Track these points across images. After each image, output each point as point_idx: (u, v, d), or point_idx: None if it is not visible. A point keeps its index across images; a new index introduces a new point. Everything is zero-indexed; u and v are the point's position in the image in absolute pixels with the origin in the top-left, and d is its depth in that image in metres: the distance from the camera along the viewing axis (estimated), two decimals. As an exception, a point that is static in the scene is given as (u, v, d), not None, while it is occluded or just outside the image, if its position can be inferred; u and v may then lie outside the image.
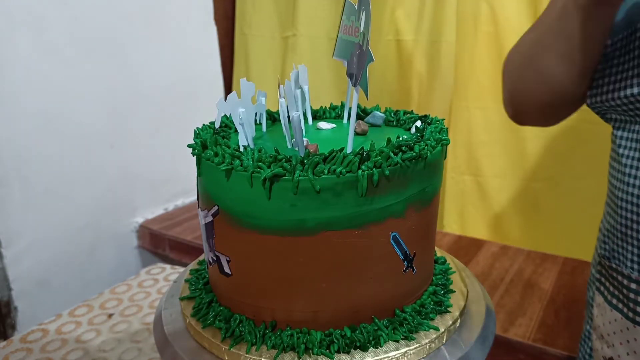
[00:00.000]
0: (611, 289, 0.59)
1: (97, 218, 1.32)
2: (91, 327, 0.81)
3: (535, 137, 1.22)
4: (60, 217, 1.23)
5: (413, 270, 0.43)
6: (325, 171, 0.37)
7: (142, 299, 0.89)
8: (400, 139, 0.42)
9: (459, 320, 0.44)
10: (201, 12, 1.56)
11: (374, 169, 0.37)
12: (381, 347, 0.40)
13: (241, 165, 0.38)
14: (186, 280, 0.51)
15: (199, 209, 0.45)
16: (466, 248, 1.24)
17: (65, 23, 1.19)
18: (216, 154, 0.41)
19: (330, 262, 0.39)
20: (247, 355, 0.39)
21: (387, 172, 0.38)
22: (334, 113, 0.58)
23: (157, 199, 1.50)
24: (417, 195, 0.41)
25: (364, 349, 0.40)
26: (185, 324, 0.45)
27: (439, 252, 0.55)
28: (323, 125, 0.52)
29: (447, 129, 0.47)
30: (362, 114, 0.56)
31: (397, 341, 0.40)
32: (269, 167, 0.37)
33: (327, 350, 0.39)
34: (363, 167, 0.37)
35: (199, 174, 0.44)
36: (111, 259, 1.38)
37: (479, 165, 1.30)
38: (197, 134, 0.46)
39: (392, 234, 0.40)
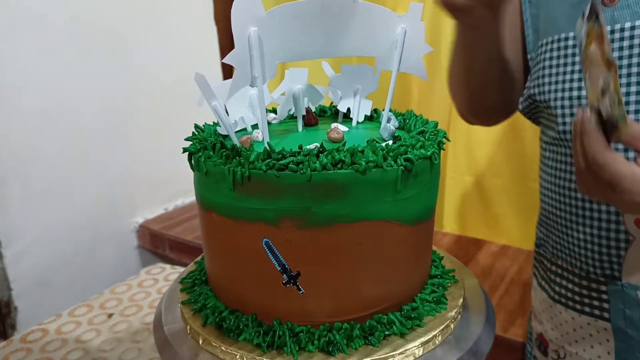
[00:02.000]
0: (541, 272, 0.68)
1: (97, 218, 1.32)
2: (91, 327, 0.81)
3: (535, 137, 1.22)
4: (60, 217, 1.23)
5: (299, 289, 0.40)
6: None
7: (142, 299, 0.89)
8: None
9: (462, 316, 0.44)
10: (201, 12, 1.56)
11: (238, 168, 0.38)
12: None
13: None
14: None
15: None
16: (466, 248, 1.24)
17: (65, 23, 1.19)
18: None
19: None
20: (248, 355, 0.39)
21: (247, 174, 0.38)
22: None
23: (157, 199, 1.50)
24: (293, 211, 0.38)
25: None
26: (184, 324, 0.45)
27: (449, 265, 0.53)
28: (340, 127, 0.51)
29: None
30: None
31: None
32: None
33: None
34: (234, 162, 0.39)
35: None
36: (111, 259, 1.38)
37: (479, 165, 1.30)
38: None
39: (264, 239, 0.39)
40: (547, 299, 0.66)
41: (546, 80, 0.59)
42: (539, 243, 0.69)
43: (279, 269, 0.40)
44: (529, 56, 0.66)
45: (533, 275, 0.72)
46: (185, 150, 0.44)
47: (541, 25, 0.62)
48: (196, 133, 0.48)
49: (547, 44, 0.59)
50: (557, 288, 0.64)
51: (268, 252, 0.40)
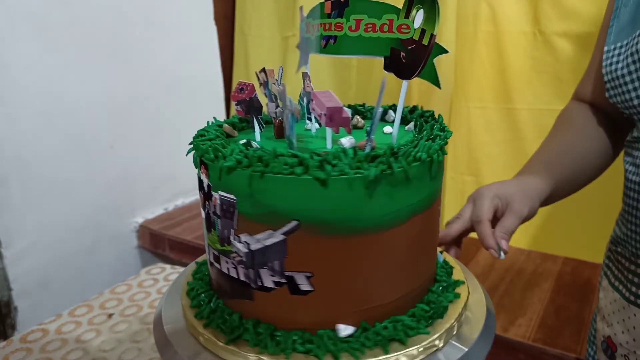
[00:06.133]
0: (615, 271, 0.64)
1: (97, 218, 1.32)
2: (91, 327, 0.81)
3: (535, 137, 1.22)
4: (60, 217, 1.23)
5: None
6: (411, 159, 0.39)
7: (142, 299, 0.89)
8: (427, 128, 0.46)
9: (463, 316, 0.44)
10: (201, 12, 1.56)
11: (439, 151, 0.41)
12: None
13: (339, 170, 0.37)
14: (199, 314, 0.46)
15: (247, 235, 0.40)
16: (466, 248, 1.23)
17: (65, 23, 1.19)
18: (292, 166, 0.37)
19: (417, 244, 0.43)
20: (248, 355, 0.39)
21: (445, 153, 0.43)
22: None
23: (157, 199, 1.50)
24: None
25: (438, 316, 0.44)
26: (185, 324, 0.45)
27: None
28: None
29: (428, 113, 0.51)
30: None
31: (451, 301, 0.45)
32: (366, 167, 0.38)
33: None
34: (431, 151, 0.41)
35: (254, 193, 0.38)
36: (111, 259, 1.38)
37: (479, 166, 1.30)
38: (232, 152, 0.40)
39: (438, 208, 0.46)
40: (621, 300, 0.62)
41: None
42: (617, 241, 0.65)
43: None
44: (612, 46, 0.60)
45: (603, 275, 0.68)
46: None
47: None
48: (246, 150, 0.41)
49: None
50: (634, 289, 0.60)
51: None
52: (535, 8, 1.16)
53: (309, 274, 0.39)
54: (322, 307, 0.41)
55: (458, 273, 0.51)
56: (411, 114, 0.55)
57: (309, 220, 0.38)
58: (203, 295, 0.47)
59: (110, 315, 0.84)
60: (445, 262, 0.53)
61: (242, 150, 0.40)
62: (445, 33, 1.24)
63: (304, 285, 0.39)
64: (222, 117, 0.54)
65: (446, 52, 0.42)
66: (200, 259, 0.55)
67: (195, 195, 1.59)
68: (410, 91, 1.33)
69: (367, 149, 0.40)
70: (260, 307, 0.42)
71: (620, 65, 0.57)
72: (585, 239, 1.19)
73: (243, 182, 0.38)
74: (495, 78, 1.24)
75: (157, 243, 1.41)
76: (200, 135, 0.47)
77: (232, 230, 0.40)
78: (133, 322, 0.82)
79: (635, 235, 0.60)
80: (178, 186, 1.54)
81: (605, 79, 0.60)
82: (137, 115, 1.39)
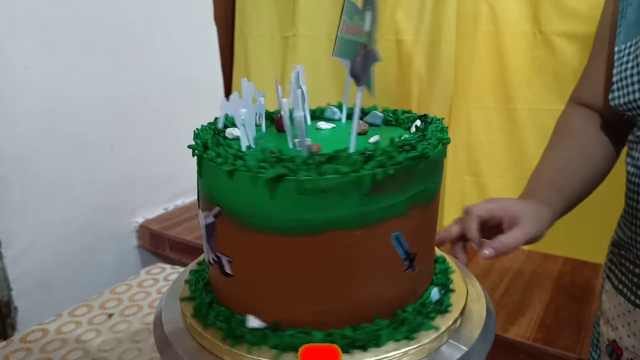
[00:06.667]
0: (619, 275, 0.63)
1: (97, 218, 1.32)
2: (91, 327, 0.81)
3: (534, 137, 1.22)
4: (60, 217, 1.23)
5: (414, 269, 0.43)
6: (329, 171, 0.37)
7: (142, 299, 0.89)
8: (403, 138, 0.41)
9: (459, 320, 0.44)
10: (201, 12, 1.56)
11: (377, 169, 0.37)
12: (382, 346, 0.40)
13: (244, 166, 0.38)
14: (186, 281, 0.51)
15: (200, 210, 0.45)
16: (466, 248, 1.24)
17: (65, 23, 1.19)
18: (218, 155, 0.40)
19: (332, 262, 0.39)
20: (248, 356, 0.39)
21: (391, 172, 0.37)
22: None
23: (157, 199, 1.50)
24: (419, 195, 0.41)
25: (365, 348, 0.39)
26: (185, 324, 0.45)
27: (438, 252, 0.55)
28: (322, 125, 0.52)
29: (446, 128, 0.46)
30: (361, 113, 0.56)
31: (398, 341, 0.40)
32: (272, 167, 0.37)
33: None
34: (367, 166, 0.37)
35: (200, 175, 0.44)
36: (111, 259, 1.38)
37: (479, 165, 1.30)
38: (197, 135, 0.46)
39: (394, 234, 0.40)
40: (626, 303, 0.61)
41: None
42: (619, 244, 0.64)
43: (403, 257, 0.42)
44: (622, 46, 0.60)
45: (606, 278, 0.67)
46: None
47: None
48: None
49: None
50: (639, 292, 0.59)
51: (396, 245, 0.41)
52: (535, 8, 1.17)
53: (229, 259, 0.42)
54: (240, 293, 0.43)
55: (458, 297, 0.47)
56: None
57: (226, 209, 0.41)
58: (202, 295, 0.48)
59: (110, 315, 0.84)
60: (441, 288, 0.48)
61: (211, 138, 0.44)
62: (445, 33, 1.24)
63: (227, 268, 0.43)
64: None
65: (379, 59, 0.39)
66: (201, 258, 0.55)
67: (195, 195, 1.59)
68: (410, 91, 1.33)
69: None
70: (211, 276, 0.47)
71: (630, 64, 0.57)
72: (585, 239, 1.20)
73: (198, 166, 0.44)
74: (495, 78, 1.24)
75: (157, 243, 1.41)
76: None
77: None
78: (133, 322, 0.82)
79: (639, 237, 0.59)
80: (178, 186, 1.54)
81: (614, 79, 0.59)
82: (137, 115, 1.39)
